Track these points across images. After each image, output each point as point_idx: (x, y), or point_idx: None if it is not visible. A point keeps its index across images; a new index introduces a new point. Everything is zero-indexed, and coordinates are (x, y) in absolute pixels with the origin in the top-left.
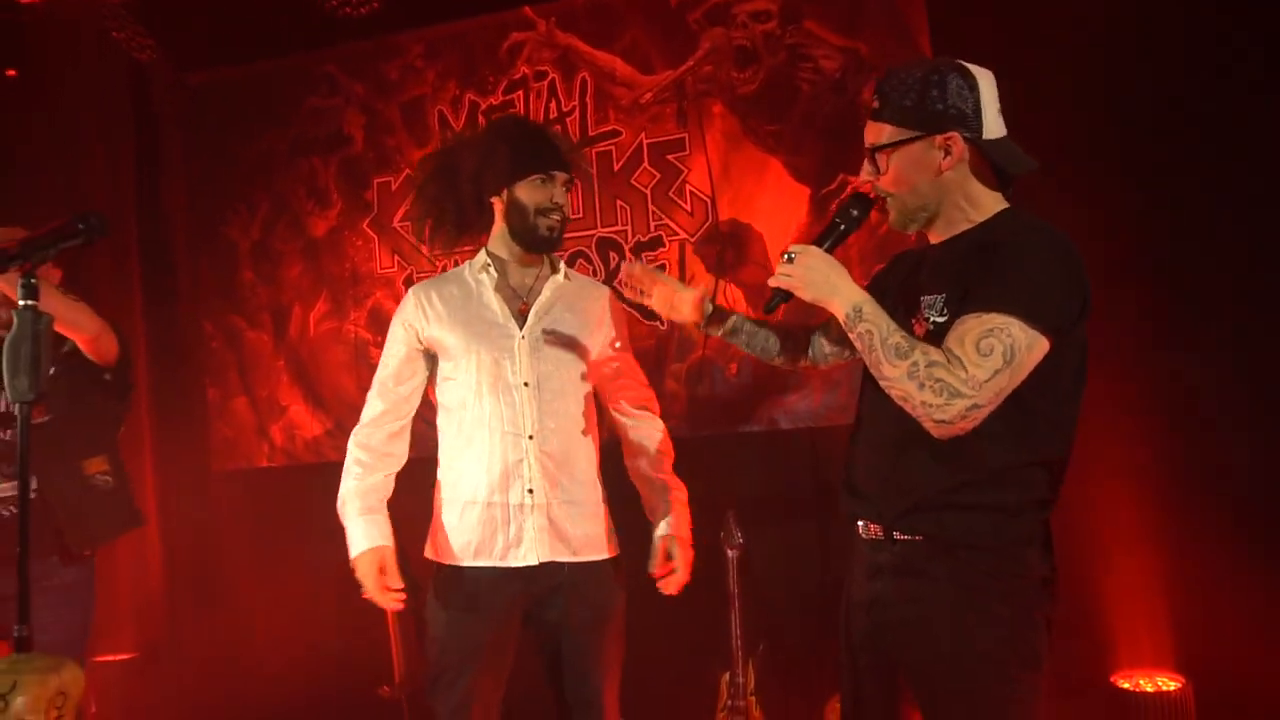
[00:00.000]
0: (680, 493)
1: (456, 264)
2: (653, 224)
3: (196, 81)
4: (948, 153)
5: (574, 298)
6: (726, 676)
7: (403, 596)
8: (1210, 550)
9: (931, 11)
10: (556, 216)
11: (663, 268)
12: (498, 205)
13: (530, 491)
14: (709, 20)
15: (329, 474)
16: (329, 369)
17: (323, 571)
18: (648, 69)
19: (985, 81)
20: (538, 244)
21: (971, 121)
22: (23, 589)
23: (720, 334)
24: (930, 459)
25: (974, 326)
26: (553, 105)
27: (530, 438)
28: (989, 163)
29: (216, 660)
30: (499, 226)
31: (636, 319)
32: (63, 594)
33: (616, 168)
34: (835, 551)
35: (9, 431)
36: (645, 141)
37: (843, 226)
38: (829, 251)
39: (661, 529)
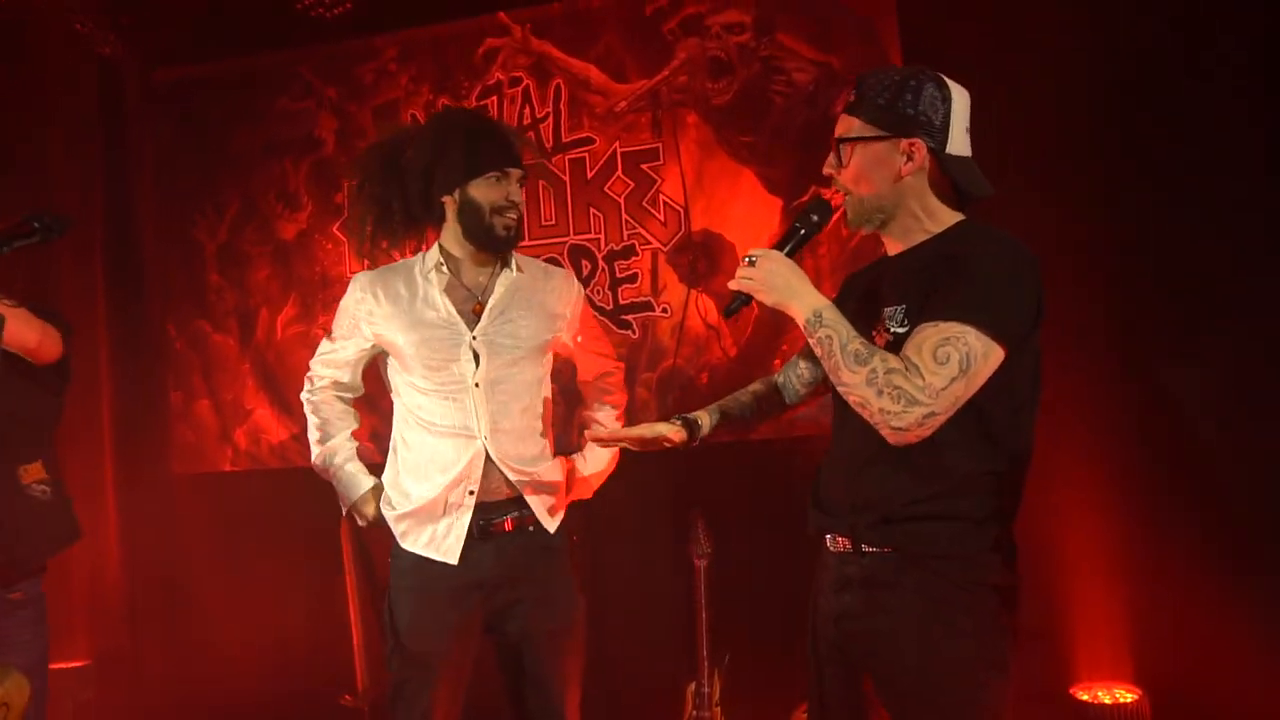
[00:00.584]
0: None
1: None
2: (626, 233)
3: (166, 79)
4: (910, 158)
5: (530, 290)
6: (692, 686)
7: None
8: (1170, 563)
9: (903, 27)
10: (513, 215)
11: (635, 277)
12: (450, 204)
13: (471, 493)
14: (684, 30)
15: (295, 479)
16: (296, 373)
17: (286, 578)
18: (622, 77)
19: (960, 98)
20: (494, 244)
21: (938, 133)
22: None
23: (707, 434)
24: (895, 471)
25: (931, 335)
26: (527, 111)
27: (485, 439)
28: (949, 179)
29: (176, 667)
30: (452, 226)
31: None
32: (18, 610)
33: (590, 175)
34: (803, 562)
35: None
36: (619, 150)
37: (802, 231)
38: (789, 255)
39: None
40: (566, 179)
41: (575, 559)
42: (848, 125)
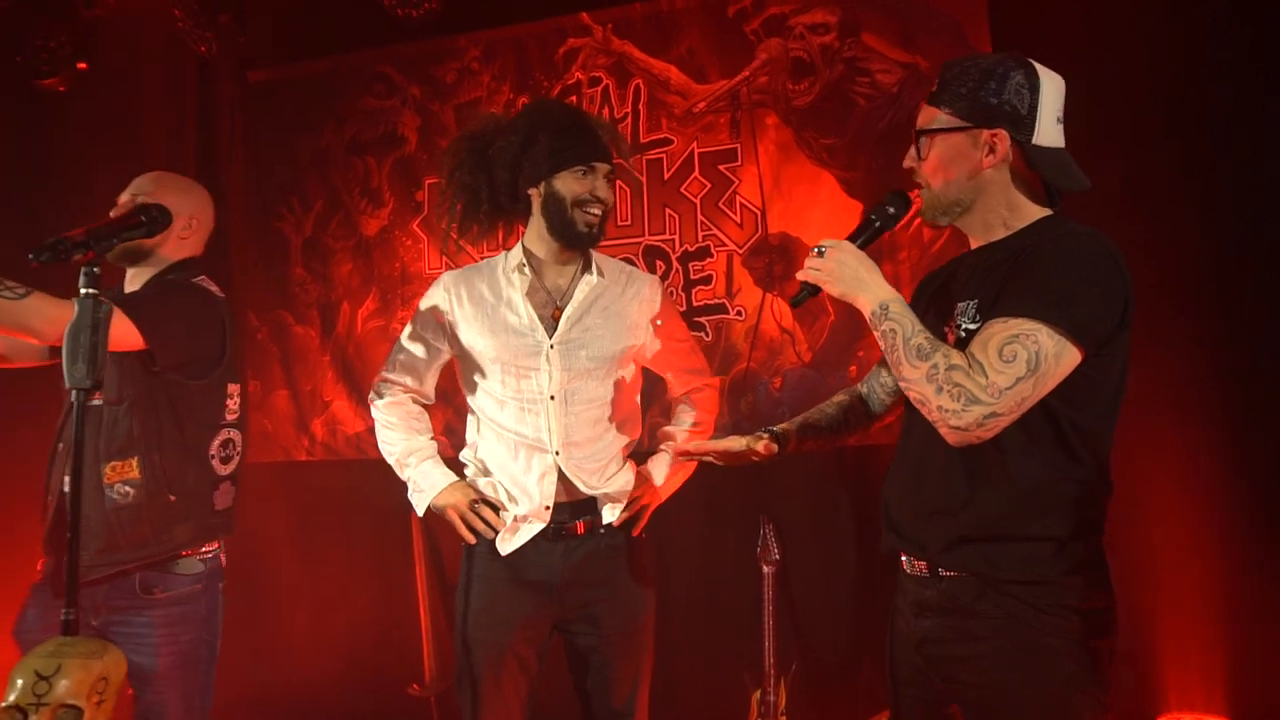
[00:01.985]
0: (700, 418)
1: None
2: (701, 234)
3: (257, 78)
4: (992, 150)
5: (611, 298)
6: (758, 694)
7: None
8: (1271, 588)
9: (994, 24)
10: (596, 210)
11: (710, 279)
12: (535, 197)
13: (547, 509)
14: (766, 31)
15: (369, 470)
16: (375, 366)
17: (358, 568)
18: (702, 78)
19: (1051, 86)
20: (577, 239)
21: (1024, 123)
22: (71, 573)
23: (794, 447)
24: (967, 482)
25: (999, 331)
26: (605, 111)
27: (556, 453)
28: (1036, 173)
29: (248, 655)
30: (536, 221)
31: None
32: (146, 630)
33: (667, 176)
34: (873, 572)
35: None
36: (697, 151)
37: (878, 223)
38: (862, 248)
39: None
40: (643, 179)
41: (645, 558)
42: (929, 116)
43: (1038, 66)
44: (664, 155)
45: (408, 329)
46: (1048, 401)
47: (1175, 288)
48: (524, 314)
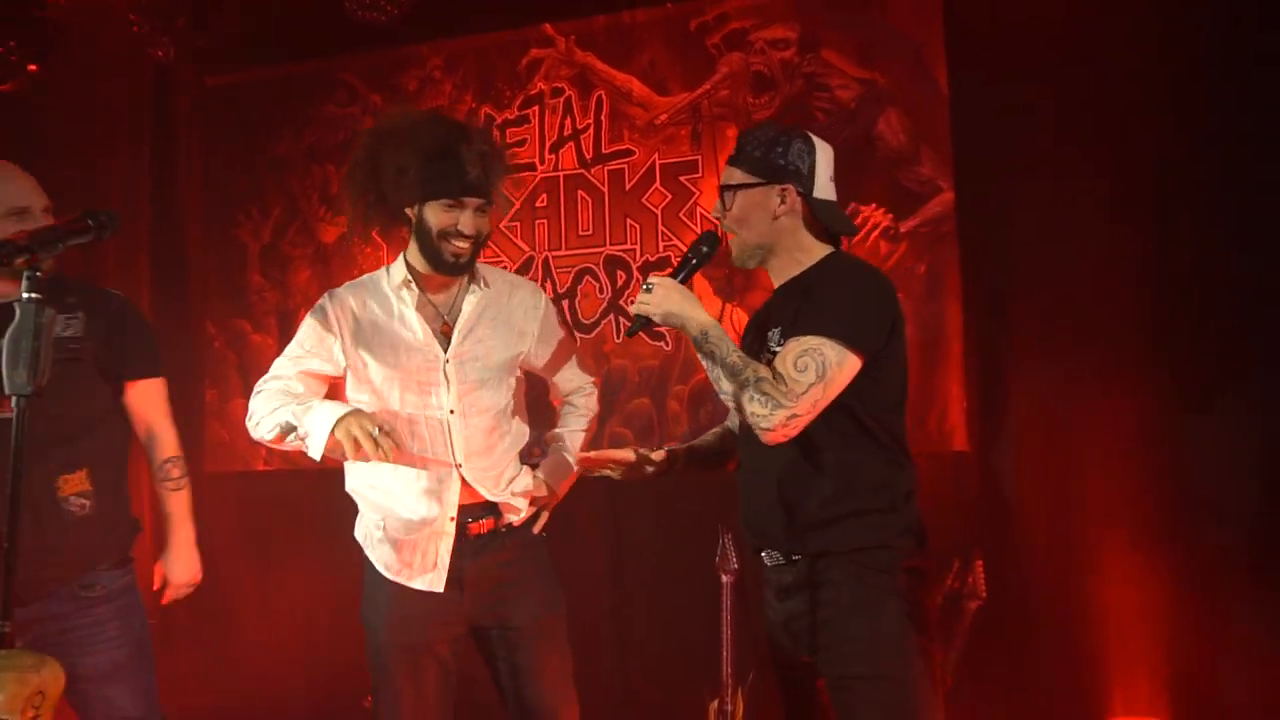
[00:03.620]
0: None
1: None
2: (662, 244)
3: (215, 83)
4: (783, 201)
5: (498, 307)
6: (715, 704)
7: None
8: (1207, 593)
9: (949, 43)
10: (462, 244)
11: None
12: (411, 216)
13: (451, 519)
14: (727, 45)
15: (326, 480)
16: None
17: (314, 577)
18: (664, 90)
19: (823, 152)
20: (443, 268)
21: (805, 180)
22: (5, 585)
23: (682, 468)
24: (802, 480)
25: (794, 348)
26: (568, 122)
27: (459, 465)
28: (819, 221)
29: (203, 664)
30: (414, 239)
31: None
32: (96, 629)
33: (628, 186)
34: None
35: None
36: (658, 162)
37: (694, 261)
38: (683, 282)
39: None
40: (605, 190)
41: (548, 555)
42: (730, 175)
43: (812, 136)
44: (626, 166)
45: (291, 347)
46: (848, 404)
47: (1123, 302)
48: (418, 330)
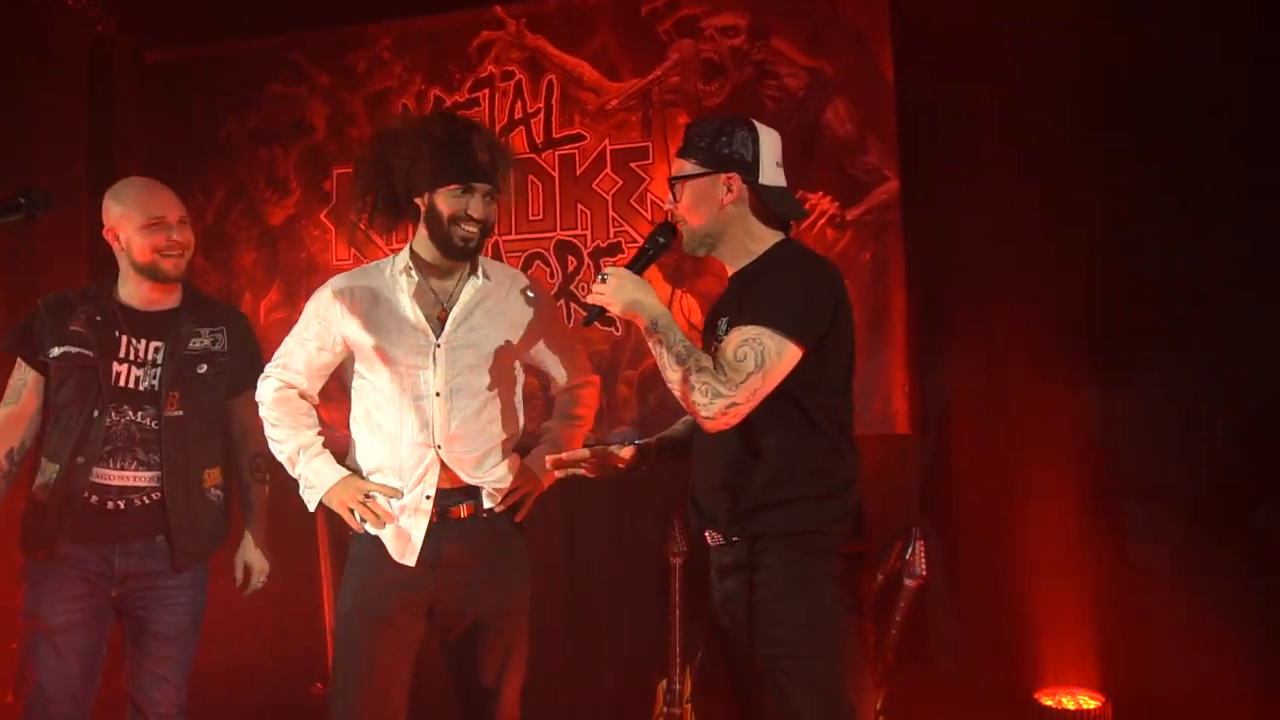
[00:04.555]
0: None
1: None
2: (612, 230)
3: (156, 60)
4: (729, 189)
5: (496, 299)
6: (664, 683)
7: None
8: (1135, 569)
9: (894, 33)
10: (471, 228)
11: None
12: (421, 206)
13: (428, 498)
14: (678, 31)
15: (270, 465)
16: None
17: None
18: (615, 75)
19: (768, 138)
20: (452, 253)
21: (750, 167)
22: None
23: (654, 461)
24: (744, 465)
25: (734, 338)
26: (518, 106)
27: (438, 447)
28: (767, 207)
29: None
30: (422, 228)
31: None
32: (177, 591)
33: (579, 172)
34: None
35: (149, 416)
36: (609, 147)
37: (651, 252)
38: (639, 273)
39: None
40: (555, 175)
41: (524, 543)
42: (679, 166)
43: (757, 124)
44: (576, 151)
45: (296, 329)
46: (791, 391)
47: (1059, 288)
48: (411, 314)
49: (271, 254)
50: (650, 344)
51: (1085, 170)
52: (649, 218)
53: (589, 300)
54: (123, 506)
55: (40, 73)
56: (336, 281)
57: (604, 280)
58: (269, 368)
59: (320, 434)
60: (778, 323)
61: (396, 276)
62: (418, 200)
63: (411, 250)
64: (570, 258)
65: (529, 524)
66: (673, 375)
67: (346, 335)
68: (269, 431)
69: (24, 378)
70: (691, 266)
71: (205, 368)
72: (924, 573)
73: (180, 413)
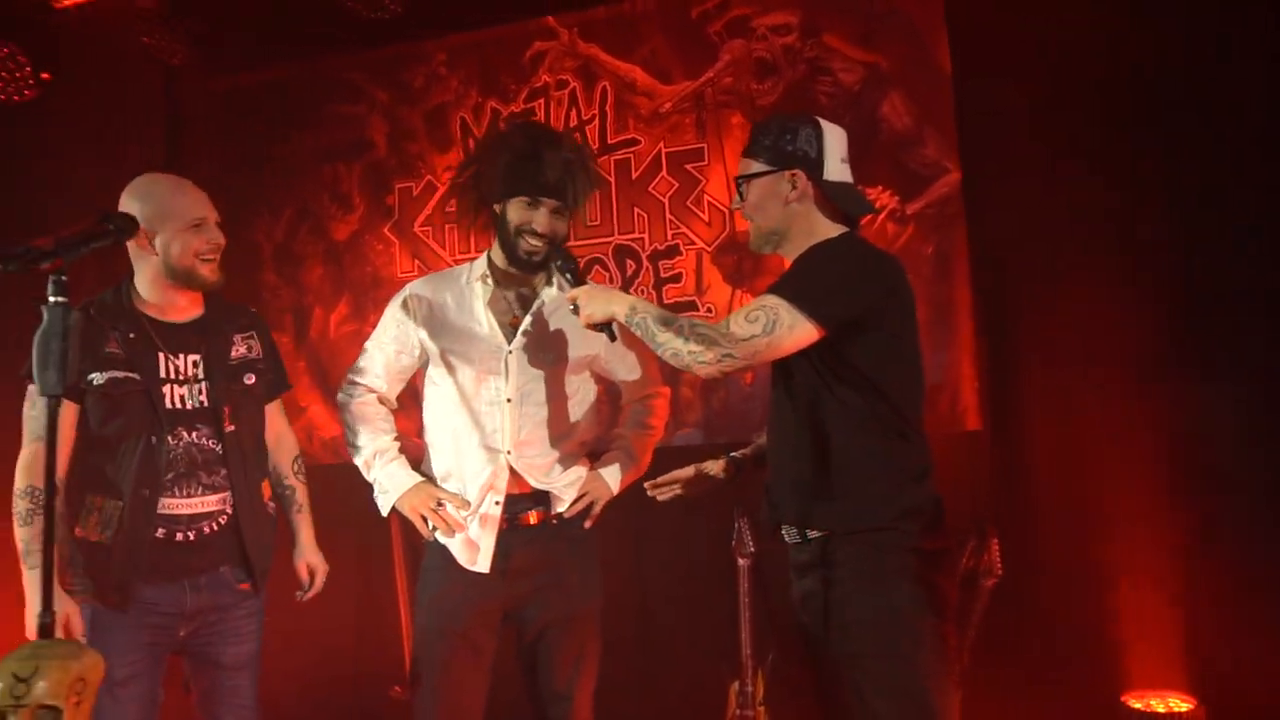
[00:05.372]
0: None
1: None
2: (670, 232)
3: (224, 87)
4: (794, 186)
5: (568, 309)
6: (735, 685)
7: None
8: (1226, 569)
9: (950, 23)
10: (535, 242)
11: (679, 277)
12: (497, 212)
13: (498, 504)
14: (729, 32)
15: (347, 474)
16: None
17: (336, 570)
18: (667, 79)
19: (833, 134)
20: (517, 263)
21: (815, 164)
22: (46, 574)
23: (750, 472)
24: (814, 459)
25: (752, 304)
26: (573, 114)
27: (508, 452)
28: (833, 203)
29: None
30: (497, 234)
31: None
32: (245, 620)
33: (635, 176)
34: None
35: (206, 435)
36: (664, 150)
37: (569, 275)
38: (582, 283)
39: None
40: (612, 180)
41: (595, 549)
42: (744, 166)
43: (821, 121)
44: (631, 155)
45: (375, 334)
46: (859, 383)
47: (1132, 276)
48: (484, 321)
49: (338, 269)
50: (633, 327)
51: (1157, 157)
52: (705, 219)
53: (585, 325)
54: (192, 537)
55: (118, 103)
56: (414, 287)
57: (577, 308)
58: (350, 374)
59: (396, 439)
60: (799, 299)
61: (472, 283)
62: (495, 207)
63: (488, 258)
64: (629, 261)
65: (596, 529)
66: (662, 337)
67: (422, 340)
68: (347, 436)
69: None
70: (751, 267)
71: (252, 378)
72: (1000, 572)
73: (234, 427)
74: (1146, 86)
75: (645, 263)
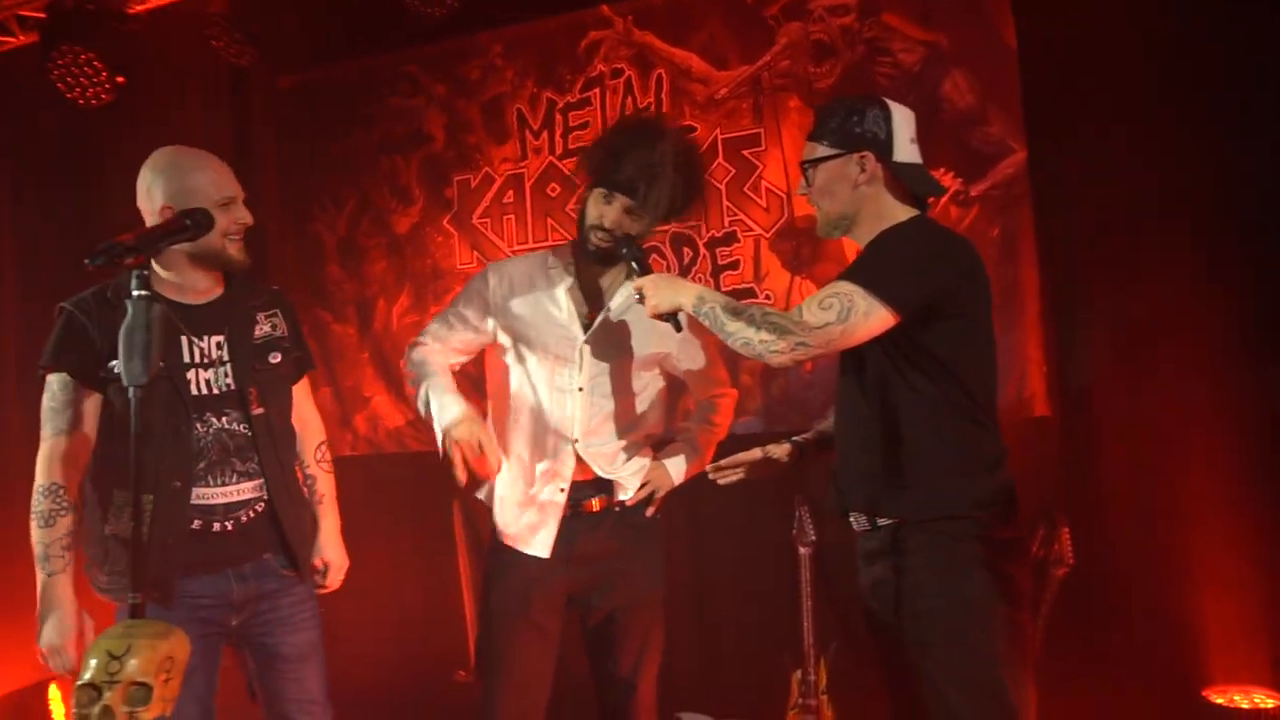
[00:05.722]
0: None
1: None
2: (727, 219)
3: (287, 84)
4: (863, 169)
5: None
6: (798, 674)
7: (498, 462)
8: None
9: (1016, 1)
10: (603, 236)
11: (737, 264)
12: (584, 199)
13: (562, 491)
14: (785, 15)
15: (411, 463)
16: None
17: (401, 557)
18: (723, 65)
19: (901, 115)
20: (586, 253)
21: (884, 145)
22: (135, 556)
23: (813, 456)
24: (884, 445)
25: (825, 290)
26: (629, 102)
27: (576, 440)
28: (903, 184)
29: None
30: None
31: None
32: (297, 607)
33: None
34: None
35: (236, 420)
36: (720, 137)
37: (634, 264)
38: (646, 272)
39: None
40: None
41: (657, 537)
42: (811, 150)
43: (889, 102)
44: None
45: (449, 307)
46: (930, 367)
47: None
48: (564, 308)
49: (400, 261)
50: (701, 317)
51: (1232, 133)
52: (763, 204)
53: (651, 316)
54: (230, 527)
55: (185, 103)
56: (500, 265)
57: (642, 298)
58: (417, 339)
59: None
60: (874, 284)
61: (556, 269)
62: (585, 193)
63: (573, 244)
64: (686, 249)
65: (657, 518)
66: (733, 327)
67: (498, 319)
68: (411, 384)
69: (73, 397)
70: (810, 253)
71: (278, 357)
72: (1071, 561)
73: (262, 410)
74: (1222, 61)
75: (702, 250)
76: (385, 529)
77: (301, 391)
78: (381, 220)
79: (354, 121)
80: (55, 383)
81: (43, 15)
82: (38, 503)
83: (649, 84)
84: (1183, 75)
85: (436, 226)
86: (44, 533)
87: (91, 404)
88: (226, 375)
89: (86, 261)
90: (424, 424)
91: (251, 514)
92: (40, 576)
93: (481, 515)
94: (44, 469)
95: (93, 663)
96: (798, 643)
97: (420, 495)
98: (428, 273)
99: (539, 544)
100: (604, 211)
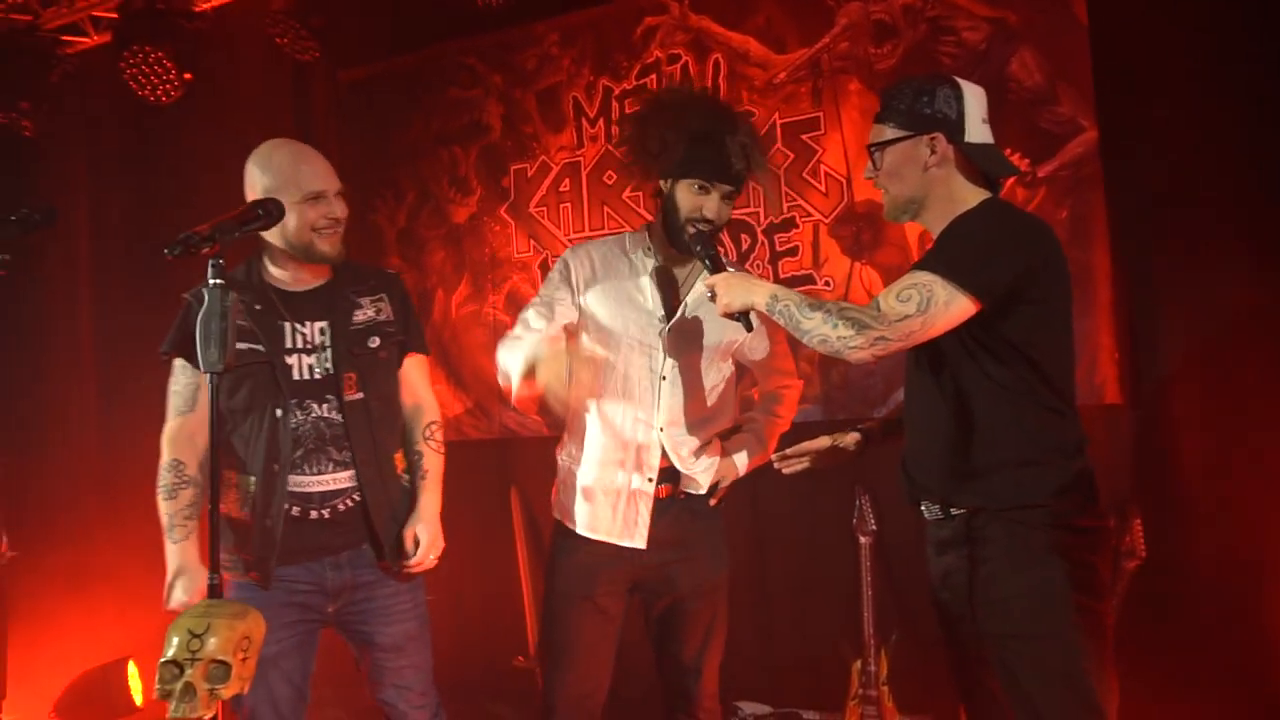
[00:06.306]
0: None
1: None
2: (786, 205)
3: (348, 78)
4: (933, 150)
5: None
6: (858, 664)
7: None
8: None
9: None
10: (704, 227)
11: (796, 250)
12: (664, 189)
13: (650, 480)
14: None
15: (469, 451)
16: (470, 350)
17: (460, 544)
18: (782, 48)
19: (973, 94)
20: (678, 245)
21: (955, 126)
22: (213, 540)
23: (879, 443)
24: (958, 431)
25: (904, 281)
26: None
27: (660, 429)
28: (974, 166)
29: None
30: (660, 212)
31: None
32: (394, 598)
33: None
34: None
35: (333, 408)
36: (779, 121)
37: (708, 261)
38: (718, 271)
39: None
40: None
41: (721, 525)
42: (878, 132)
43: (960, 80)
44: None
45: (538, 295)
46: (1007, 352)
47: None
48: (649, 295)
49: (458, 251)
50: (775, 315)
51: None
52: (823, 190)
53: (721, 314)
54: (327, 515)
55: (248, 97)
56: (585, 246)
57: (714, 296)
58: (510, 333)
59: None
60: (954, 273)
61: (638, 255)
62: (661, 183)
63: (650, 229)
64: (744, 236)
65: (720, 506)
66: (809, 324)
67: (586, 300)
68: (507, 352)
69: (193, 380)
70: (870, 238)
71: (377, 341)
72: (1144, 554)
73: (360, 395)
74: None
75: (760, 237)
76: (444, 517)
77: (417, 372)
78: (440, 211)
79: (414, 113)
80: (177, 367)
81: (115, 15)
82: (162, 477)
83: (706, 69)
84: (1263, 53)
85: (494, 216)
86: (168, 504)
87: (203, 388)
88: (327, 360)
89: (165, 251)
90: (482, 412)
91: (348, 503)
92: (168, 544)
93: (539, 503)
94: (167, 446)
95: (175, 640)
96: (858, 633)
97: (478, 483)
98: (485, 262)
99: (624, 535)
100: (703, 202)
